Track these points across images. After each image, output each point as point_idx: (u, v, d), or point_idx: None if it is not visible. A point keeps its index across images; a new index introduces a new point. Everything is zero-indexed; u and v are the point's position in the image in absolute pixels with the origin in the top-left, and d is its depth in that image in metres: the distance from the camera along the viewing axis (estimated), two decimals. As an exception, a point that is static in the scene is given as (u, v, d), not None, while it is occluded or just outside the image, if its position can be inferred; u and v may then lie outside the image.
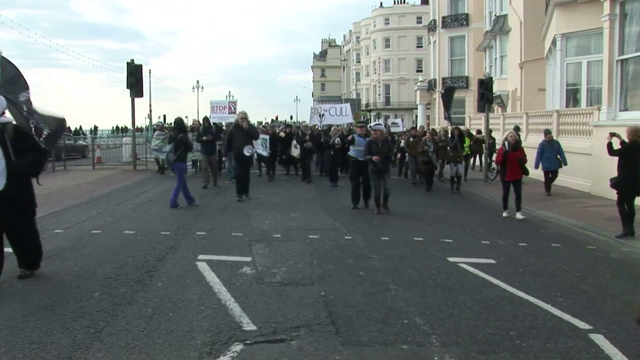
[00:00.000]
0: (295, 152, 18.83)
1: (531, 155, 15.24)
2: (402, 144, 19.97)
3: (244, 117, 13.72)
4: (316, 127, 21.20)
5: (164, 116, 56.22)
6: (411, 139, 18.49)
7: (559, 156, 15.40)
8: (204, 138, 16.67)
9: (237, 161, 13.87)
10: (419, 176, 18.22)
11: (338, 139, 17.32)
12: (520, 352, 4.70)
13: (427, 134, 17.78)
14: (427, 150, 16.53)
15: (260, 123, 36.91)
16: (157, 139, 19.16)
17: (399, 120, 29.54)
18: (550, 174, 15.63)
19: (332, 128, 20.70)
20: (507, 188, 12.17)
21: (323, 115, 20.01)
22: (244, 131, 13.38)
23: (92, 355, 4.46)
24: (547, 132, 16.15)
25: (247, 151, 13.32)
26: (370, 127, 12.74)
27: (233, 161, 15.95)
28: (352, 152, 12.89)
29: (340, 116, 19.30)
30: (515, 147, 11.91)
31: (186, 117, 24.76)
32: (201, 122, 18.74)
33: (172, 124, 15.95)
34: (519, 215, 11.84)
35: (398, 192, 15.77)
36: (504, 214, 12.18)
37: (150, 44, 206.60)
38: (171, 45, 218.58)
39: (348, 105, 21.73)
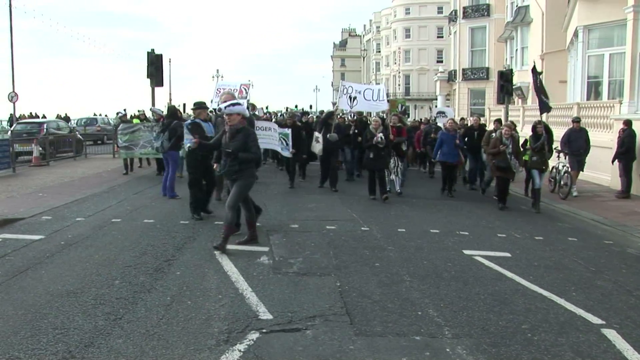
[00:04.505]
0: (318, 147, 14.18)
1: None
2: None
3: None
4: (343, 115, 16.81)
5: (184, 105, 56.35)
6: (493, 135, 13.40)
7: None
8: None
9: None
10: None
11: (381, 135, 12.52)
12: (531, 345, 4.75)
13: (505, 127, 12.64)
14: (504, 150, 11.98)
15: (277, 113, 29.29)
16: (123, 135, 16.25)
17: (448, 109, 22.63)
18: None
19: (373, 120, 14.78)
20: None
21: (355, 98, 15.10)
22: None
23: (113, 341, 4.60)
24: None
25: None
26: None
27: None
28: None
29: (377, 101, 15.04)
30: None
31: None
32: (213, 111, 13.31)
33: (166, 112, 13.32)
34: None
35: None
36: None
37: (168, 34, 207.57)
38: (189, 34, 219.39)
39: (383, 87, 16.97)
